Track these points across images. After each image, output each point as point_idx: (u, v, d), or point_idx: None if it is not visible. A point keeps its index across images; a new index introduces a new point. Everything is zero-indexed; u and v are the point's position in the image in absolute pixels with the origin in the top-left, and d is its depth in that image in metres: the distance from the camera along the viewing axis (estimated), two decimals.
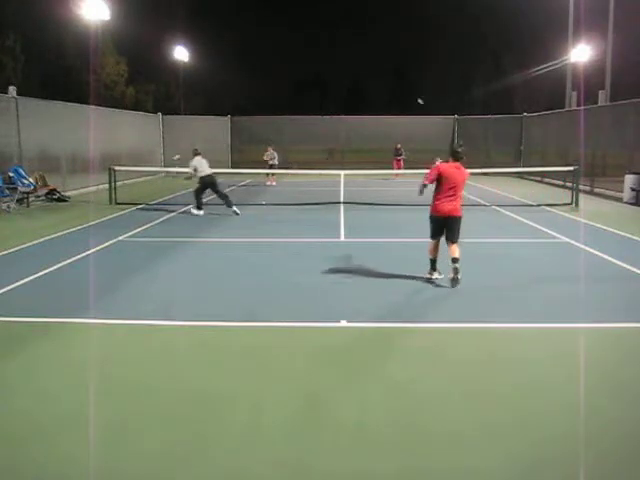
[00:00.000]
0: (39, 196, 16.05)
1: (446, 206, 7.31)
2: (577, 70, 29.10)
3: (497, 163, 25.42)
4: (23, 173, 15.36)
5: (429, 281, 7.42)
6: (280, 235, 11.24)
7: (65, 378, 4.70)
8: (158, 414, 4.08)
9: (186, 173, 14.66)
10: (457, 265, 7.11)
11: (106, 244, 10.05)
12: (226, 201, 14.02)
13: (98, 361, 5.00)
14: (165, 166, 26.91)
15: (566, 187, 18.45)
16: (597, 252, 9.22)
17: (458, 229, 7.36)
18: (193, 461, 3.48)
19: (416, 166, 23.98)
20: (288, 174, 23.86)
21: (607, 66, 25.48)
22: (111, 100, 40.68)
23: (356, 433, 3.81)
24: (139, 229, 11.73)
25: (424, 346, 5.41)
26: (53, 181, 17.16)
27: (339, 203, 16.05)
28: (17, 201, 14.78)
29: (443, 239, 7.46)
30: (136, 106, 41.91)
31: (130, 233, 11.19)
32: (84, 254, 9.18)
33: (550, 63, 38.73)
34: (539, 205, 15.59)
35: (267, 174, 22.57)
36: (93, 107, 22.34)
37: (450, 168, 7.33)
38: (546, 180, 23.63)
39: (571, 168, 15.96)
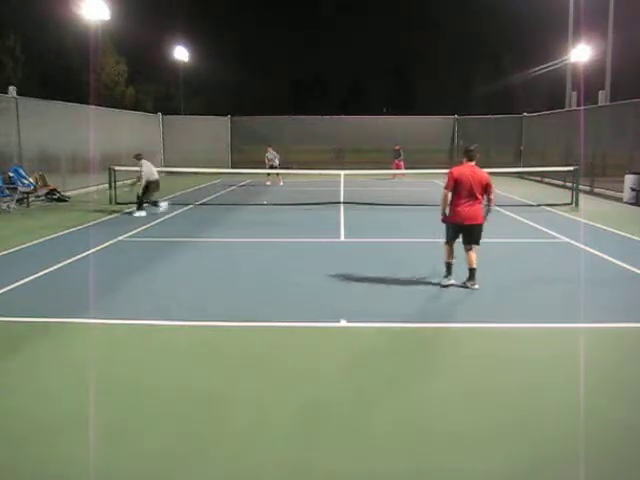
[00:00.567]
0: (39, 196, 16.05)
1: (465, 213, 6.87)
2: (577, 70, 29.11)
3: (497, 163, 25.38)
4: (23, 173, 15.36)
5: (444, 287, 7.02)
6: (280, 235, 11.24)
7: (65, 378, 4.70)
8: (158, 414, 4.08)
9: (134, 180, 14.26)
10: (473, 277, 6.85)
11: (106, 244, 10.05)
12: (154, 204, 14.11)
13: (98, 361, 5.00)
14: (165, 166, 26.93)
15: (566, 187, 18.45)
16: (597, 252, 9.22)
17: (479, 234, 6.97)
18: (193, 461, 3.48)
19: (416, 166, 24.09)
20: (288, 174, 23.83)
21: (607, 66, 25.48)
22: (111, 100, 40.66)
23: (356, 433, 3.81)
24: (139, 229, 11.73)
25: (424, 346, 5.41)
26: (53, 181, 17.17)
27: (339, 203, 16.04)
28: (17, 201, 14.78)
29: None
30: (136, 106, 41.91)
31: (130, 233, 11.19)
32: (84, 254, 9.18)
33: (550, 63, 38.75)
34: (539, 205, 15.59)
35: (268, 174, 22.55)
36: (93, 107, 22.34)
37: (464, 171, 6.90)
38: (546, 180, 23.64)
39: (571, 168, 15.97)
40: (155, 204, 14.11)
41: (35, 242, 10.26)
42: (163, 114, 29.89)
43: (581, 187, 16.15)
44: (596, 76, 28.86)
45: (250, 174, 24.00)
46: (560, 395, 4.35)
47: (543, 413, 4.07)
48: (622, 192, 16.95)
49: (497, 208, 6.64)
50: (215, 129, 30.56)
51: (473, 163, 6.98)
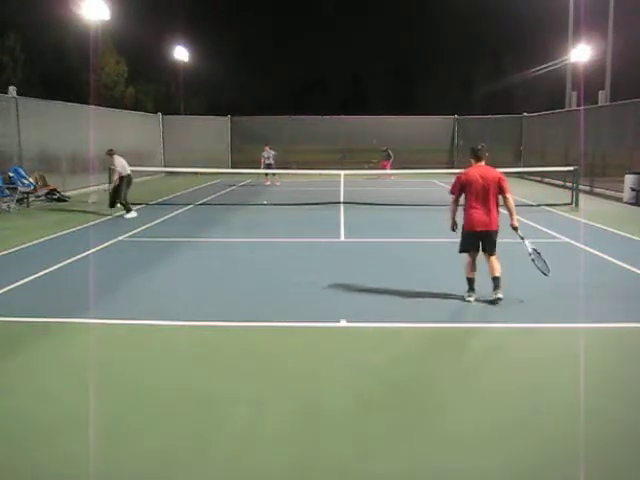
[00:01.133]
0: (39, 196, 16.05)
1: (478, 218, 6.34)
2: (577, 70, 29.12)
3: (497, 163, 25.35)
4: (23, 173, 15.37)
5: (465, 301, 6.49)
6: (280, 235, 11.24)
7: (65, 378, 4.70)
8: (158, 414, 4.08)
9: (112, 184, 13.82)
10: (498, 286, 6.40)
11: (106, 244, 10.05)
12: (127, 208, 13.73)
13: (98, 361, 5.00)
14: (165, 166, 26.93)
15: (566, 187, 18.45)
16: (597, 252, 9.22)
17: (494, 241, 6.48)
18: (193, 461, 3.48)
19: (416, 166, 24.08)
20: (288, 174, 23.85)
21: (607, 66, 25.49)
22: (111, 100, 40.65)
23: (356, 433, 3.81)
24: (139, 229, 11.73)
25: (424, 346, 5.41)
26: (53, 181, 17.17)
27: (339, 203, 16.05)
28: (17, 201, 14.78)
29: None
30: (136, 106, 41.90)
31: (130, 233, 11.19)
32: (84, 254, 9.18)
33: (550, 63, 38.75)
34: (539, 205, 15.59)
35: (265, 174, 22.56)
36: (93, 107, 22.34)
37: (473, 173, 6.39)
38: (546, 180, 23.64)
39: (571, 168, 15.97)
40: (128, 209, 13.45)
41: (35, 242, 10.26)
42: (163, 114, 29.89)
43: (581, 187, 16.15)
44: (596, 76, 28.87)
45: (250, 174, 24.01)
46: (560, 395, 4.35)
47: (543, 413, 4.07)
48: (622, 192, 16.95)
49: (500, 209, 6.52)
50: (215, 129, 30.57)
51: (482, 163, 6.50)
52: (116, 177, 13.47)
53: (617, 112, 19.88)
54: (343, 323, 5.92)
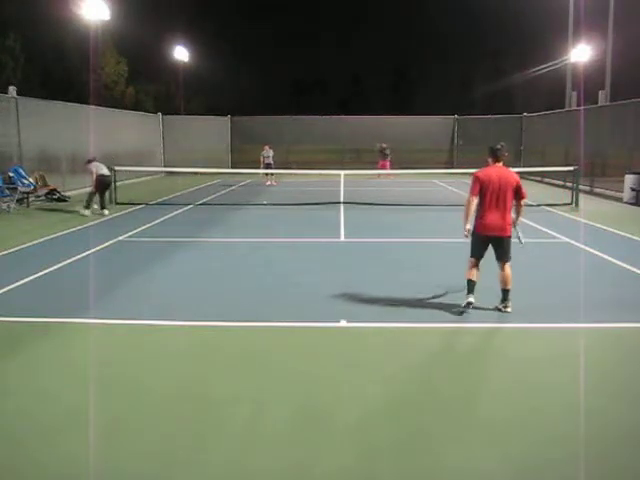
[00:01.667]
0: (39, 196, 16.04)
1: (492, 222, 6.02)
2: (577, 70, 29.11)
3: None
4: (23, 173, 15.36)
5: (465, 306, 6.12)
6: (280, 235, 11.24)
7: (65, 378, 4.70)
8: (158, 414, 4.08)
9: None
10: (507, 299, 6.16)
11: (106, 244, 10.05)
12: (103, 202, 14.01)
13: (98, 361, 5.00)
14: (165, 166, 26.94)
15: (566, 187, 18.46)
16: (597, 252, 9.22)
17: (509, 248, 6.19)
18: (193, 461, 3.48)
19: (416, 166, 24.09)
20: (288, 174, 23.85)
21: (607, 66, 25.48)
22: (111, 100, 40.66)
23: (356, 433, 3.81)
24: (139, 229, 11.73)
25: (424, 346, 5.41)
26: (53, 181, 17.16)
27: (339, 203, 16.05)
28: (17, 201, 14.78)
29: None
30: (136, 106, 41.91)
31: (130, 233, 11.19)
32: (84, 254, 9.18)
33: (550, 63, 38.75)
34: (539, 205, 15.58)
35: (265, 174, 22.61)
36: (93, 107, 22.34)
37: (491, 173, 6.05)
38: (546, 180, 23.64)
39: (571, 168, 15.97)
40: (88, 206, 13.72)
41: (35, 242, 10.26)
42: (163, 114, 29.89)
43: (581, 187, 16.15)
44: (596, 76, 28.85)
45: (250, 174, 24.02)
46: (560, 395, 4.35)
47: (543, 413, 4.07)
48: (622, 192, 16.95)
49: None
50: (215, 129, 30.56)
51: (500, 164, 6.14)
52: (94, 177, 13.74)
53: (617, 112, 19.88)
54: (343, 323, 5.92)
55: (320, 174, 23.59)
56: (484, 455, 3.55)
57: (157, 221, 12.84)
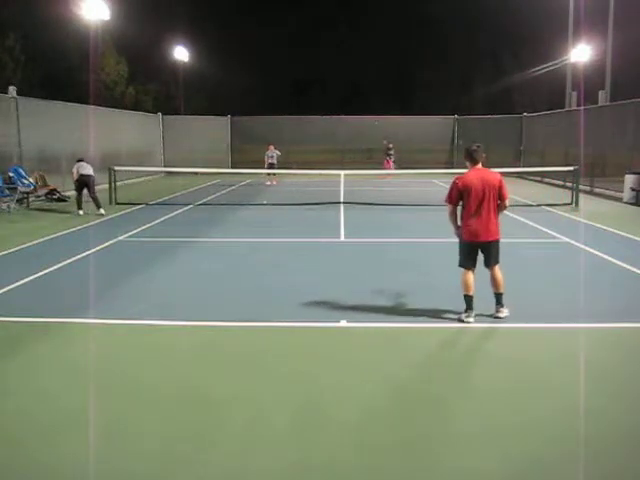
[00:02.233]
0: (39, 196, 16.05)
1: (479, 228, 5.75)
2: (577, 70, 29.11)
3: (497, 163, 25.39)
4: (23, 173, 15.36)
5: (461, 321, 5.87)
6: (280, 235, 11.24)
7: (65, 378, 4.70)
8: (158, 414, 4.08)
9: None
10: (500, 303, 5.92)
11: (106, 244, 10.05)
12: (95, 202, 13.90)
13: (98, 361, 5.00)
14: (165, 166, 26.94)
15: (566, 187, 18.46)
16: (597, 252, 9.22)
17: (498, 252, 5.94)
18: (193, 461, 3.48)
19: (416, 166, 24.09)
20: (288, 174, 23.86)
21: (607, 66, 25.48)
22: (111, 100, 40.64)
23: (356, 433, 3.81)
24: (139, 229, 11.73)
25: (424, 346, 5.41)
26: (53, 181, 17.16)
27: (339, 203, 16.05)
28: (17, 201, 14.78)
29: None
30: (136, 106, 41.88)
31: (130, 233, 11.19)
32: (84, 254, 9.18)
33: (550, 63, 38.72)
34: (539, 205, 15.59)
35: (268, 174, 22.66)
36: (93, 107, 22.34)
37: (472, 178, 5.75)
38: (546, 180, 23.64)
39: (571, 168, 15.97)
40: (79, 206, 13.79)
41: (35, 242, 10.26)
42: (163, 114, 29.89)
43: (581, 187, 16.16)
44: (596, 76, 28.86)
45: (250, 174, 24.02)
46: (560, 395, 4.35)
47: (543, 413, 4.07)
48: (622, 192, 16.95)
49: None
50: (215, 129, 30.55)
51: (479, 166, 5.84)
52: (74, 176, 13.78)
53: (617, 112, 19.88)
54: (343, 323, 5.92)
55: (320, 174, 23.59)
56: (484, 455, 3.55)
57: (157, 221, 12.84)
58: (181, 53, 38.11)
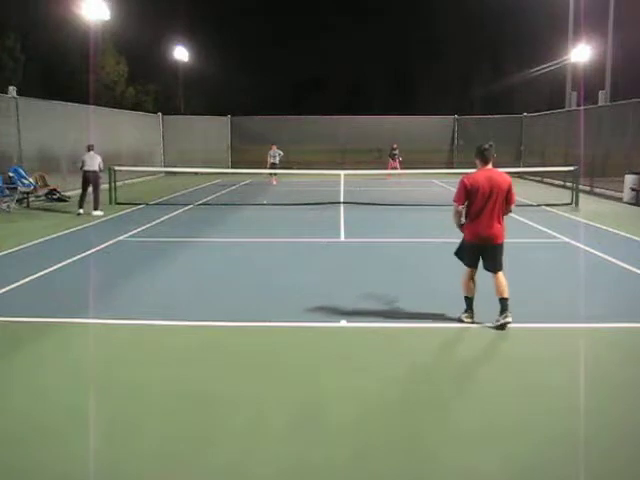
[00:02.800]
0: (39, 196, 16.05)
1: (482, 230, 5.61)
2: (577, 70, 29.10)
3: (497, 163, 25.34)
4: (23, 173, 15.37)
5: (464, 327, 5.78)
6: (280, 235, 11.24)
7: (65, 378, 4.70)
8: (158, 414, 4.08)
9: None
10: (506, 309, 5.69)
11: (106, 244, 10.05)
12: (94, 202, 13.92)
13: (98, 361, 5.00)
14: (165, 166, 26.95)
15: (566, 187, 18.46)
16: (597, 252, 9.22)
17: (501, 256, 5.76)
18: (193, 461, 3.48)
19: (416, 166, 24.09)
20: (288, 174, 23.87)
21: (607, 66, 25.48)
22: (111, 100, 40.64)
23: (356, 433, 3.81)
24: (139, 229, 11.73)
25: (423, 346, 5.41)
26: (53, 181, 17.17)
27: (339, 203, 16.05)
28: (17, 201, 14.79)
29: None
30: (136, 106, 41.86)
31: (130, 233, 11.19)
32: (84, 254, 9.18)
33: (550, 63, 38.71)
34: (539, 205, 15.59)
35: (270, 174, 22.74)
36: (93, 107, 22.34)
37: (480, 178, 5.58)
38: (546, 180, 23.64)
39: (571, 168, 15.97)
40: (79, 205, 13.85)
41: (35, 242, 10.26)
42: (163, 114, 29.89)
43: (581, 187, 16.17)
44: (596, 76, 28.86)
45: (250, 174, 24.03)
46: (560, 395, 4.35)
47: (543, 413, 4.07)
48: (622, 192, 16.96)
49: None
50: (215, 129, 30.56)
51: (489, 166, 5.68)
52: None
53: (617, 112, 19.88)
54: (343, 323, 5.92)
55: (320, 174, 23.60)
56: (484, 455, 3.55)
57: (157, 221, 12.84)
58: (181, 53, 38.12)
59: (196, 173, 25.13)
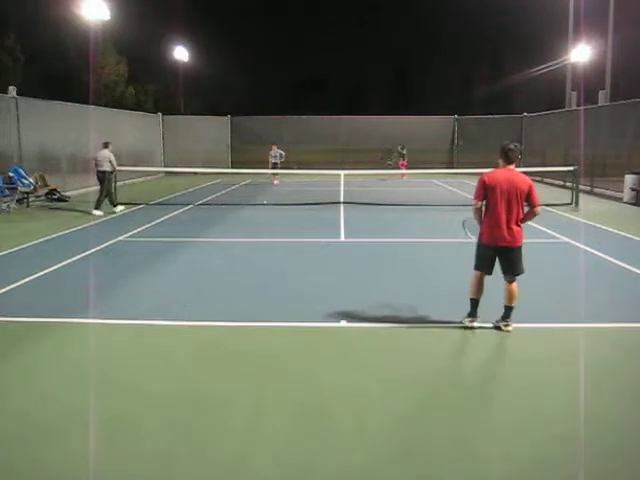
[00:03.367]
0: (39, 196, 16.05)
1: (499, 232, 5.42)
2: (577, 70, 29.10)
3: (497, 163, 25.38)
4: (23, 173, 15.36)
5: (465, 328, 5.69)
6: (280, 235, 11.24)
7: (65, 378, 4.70)
8: (158, 414, 4.08)
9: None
10: (509, 316, 5.63)
11: (106, 244, 10.05)
12: (98, 201, 14.02)
13: (98, 361, 4.99)
14: (165, 166, 26.95)
15: (566, 187, 18.46)
16: (597, 252, 9.22)
17: (519, 260, 5.55)
18: (193, 462, 3.48)
19: (416, 166, 24.11)
20: (288, 174, 23.88)
21: (607, 66, 25.46)
22: (111, 100, 40.66)
23: (356, 433, 3.81)
24: (139, 229, 11.73)
25: (424, 346, 5.41)
26: (53, 181, 17.17)
27: (339, 203, 16.05)
28: (17, 201, 14.79)
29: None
30: (136, 106, 41.87)
31: (130, 233, 11.19)
32: (84, 254, 9.18)
33: (550, 63, 38.73)
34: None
35: (273, 174, 22.79)
36: (93, 107, 22.34)
37: (499, 177, 5.47)
38: (546, 180, 23.63)
39: (571, 168, 15.97)
40: (96, 205, 14.02)
41: (35, 242, 10.26)
42: (163, 114, 29.89)
43: (581, 187, 16.16)
44: (596, 76, 28.84)
45: (250, 174, 24.03)
46: (560, 395, 4.35)
47: (543, 413, 4.07)
48: (622, 192, 16.96)
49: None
50: (215, 129, 30.56)
51: (512, 166, 5.53)
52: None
53: (617, 112, 19.87)
54: (343, 324, 5.92)
55: (320, 174, 23.60)
56: (484, 455, 3.55)
57: (157, 221, 12.84)
58: (181, 53, 38.11)
59: (196, 173, 25.13)
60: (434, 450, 3.63)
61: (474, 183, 5.99)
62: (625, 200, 16.58)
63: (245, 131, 30.48)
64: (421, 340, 5.57)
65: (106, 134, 21.40)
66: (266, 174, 22.99)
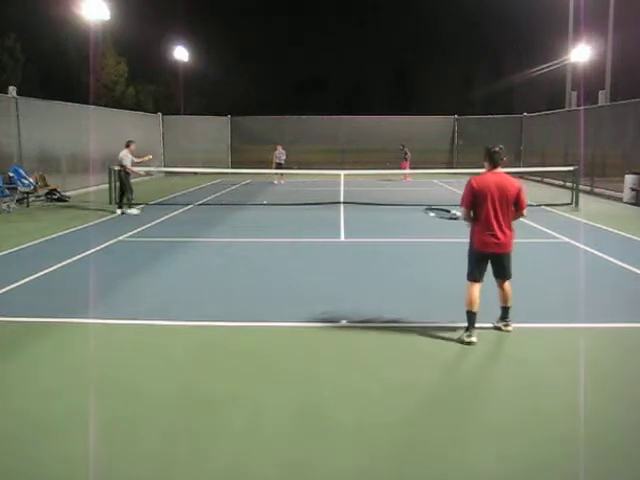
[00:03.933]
0: (39, 196, 16.05)
1: (491, 238, 5.35)
2: (577, 70, 29.10)
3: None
4: (23, 173, 15.37)
5: (463, 343, 5.36)
6: (280, 235, 11.24)
7: (65, 378, 4.70)
8: (158, 414, 4.08)
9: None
10: (507, 316, 5.66)
11: (106, 244, 10.05)
12: (121, 200, 14.13)
13: (98, 361, 5.00)
14: (165, 166, 26.94)
15: (566, 187, 18.46)
16: (597, 252, 9.22)
17: (509, 265, 5.58)
18: (192, 461, 3.48)
19: (415, 166, 24.12)
20: (288, 174, 23.89)
21: (607, 66, 25.46)
22: (111, 100, 40.66)
23: (356, 434, 3.81)
24: (139, 229, 11.73)
25: (424, 347, 5.40)
26: (53, 181, 17.17)
27: (339, 203, 16.05)
28: (17, 201, 14.79)
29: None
30: (136, 106, 41.88)
31: (130, 233, 11.19)
32: (84, 254, 9.18)
33: (550, 63, 38.74)
34: (539, 205, 15.58)
35: (276, 173, 22.84)
36: (93, 107, 22.35)
37: (488, 181, 5.32)
38: (546, 180, 23.64)
39: (571, 168, 15.97)
40: (119, 204, 14.20)
41: (35, 242, 10.26)
42: (163, 114, 29.89)
43: (581, 187, 16.16)
44: (596, 76, 28.84)
45: (250, 174, 24.04)
46: (560, 395, 4.35)
47: (543, 413, 4.07)
48: (622, 192, 16.96)
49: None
50: (215, 129, 30.58)
51: (499, 169, 5.42)
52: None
53: (617, 112, 19.87)
54: (343, 323, 5.92)
55: (320, 174, 23.60)
56: (484, 455, 3.55)
57: (157, 221, 12.84)
58: (181, 53, 38.10)
59: (196, 173, 25.13)
60: (434, 450, 3.63)
61: None
62: (625, 200, 16.58)
63: (245, 131, 30.50)
64: (421, 340, 5.57)
65: (106, 134, 21.46)
66: (266, 174, 22.98)
